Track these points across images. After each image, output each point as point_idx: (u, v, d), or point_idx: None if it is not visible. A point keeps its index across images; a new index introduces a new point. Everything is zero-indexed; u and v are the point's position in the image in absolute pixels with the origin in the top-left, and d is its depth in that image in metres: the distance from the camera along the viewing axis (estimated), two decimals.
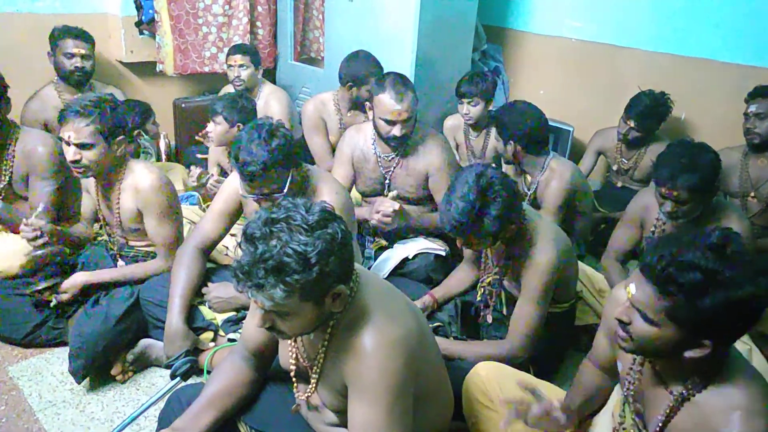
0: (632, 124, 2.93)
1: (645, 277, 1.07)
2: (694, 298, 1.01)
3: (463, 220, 1.63)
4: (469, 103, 2.95)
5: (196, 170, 2.69)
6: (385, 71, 2.86)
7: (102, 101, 1.94)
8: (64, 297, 2.01)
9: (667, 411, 1.16)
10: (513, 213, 1.69)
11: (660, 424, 1.17)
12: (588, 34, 3.50)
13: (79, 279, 2.03)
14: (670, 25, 3.15)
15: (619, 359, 1.33)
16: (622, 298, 1.20)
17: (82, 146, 1.90)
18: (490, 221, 1.63)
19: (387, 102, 2.25)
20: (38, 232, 1.98)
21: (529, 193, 2.50)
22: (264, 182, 1.77)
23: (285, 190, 1.80)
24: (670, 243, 1.07)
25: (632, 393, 1.26)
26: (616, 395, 1.51)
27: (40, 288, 1.99)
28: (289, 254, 1.05)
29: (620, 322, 1.14)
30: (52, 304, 2.03)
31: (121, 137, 1.98)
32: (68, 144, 1.91)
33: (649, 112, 2.91)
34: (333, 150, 3.08)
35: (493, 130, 2.59)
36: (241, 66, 3.10)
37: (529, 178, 2.53)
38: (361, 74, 2.85)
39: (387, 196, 2.52)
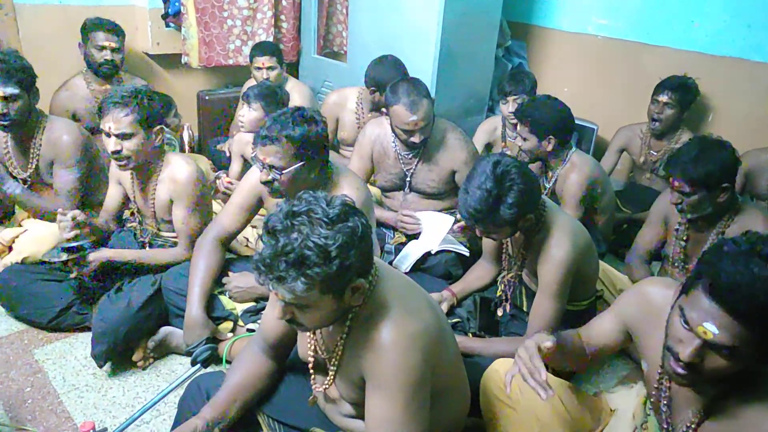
0: (665, 99, 2.89)
1: (727, 313, 0.97)
2: None
3: (480, 207, 1.63)
4: (515, 99, 2.93)
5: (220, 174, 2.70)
6: (408, 69, 2.86)
7: (139, 92, 1.98)
8: (86, 270, 2.02)
9: (698, 414, 1.13)
10: (530, 201, 1.68)
11: (690, 427, 1.15)
12: (615, 32, 3.45)
13: (105, 253, 2.06)
14: (700, 23, 3.09)
15: (644, 360, 1.30)
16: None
17: (122, 136, 1.94)
18: (507, 209, 1.62)
19: (402, 113, 2.25)
20: (73, 224, 2.00)
21: (548, 186, 2.48)
22: (270, 151, 1.72)
23: (285, 174, 1.74)
24: (735, 263, 0.98)
25: (662, 396, 1.23)
26: (636, 396, 1.49)
27: (63, 259, 2.00)
28: (310, 247, 1.06)
29: (688, 364, 1.05)
30: (73, 275, 2.02)
31: (158, 127, 2.01)
32: (108, 135, 1.94)
33: (681, 86, 2.89)
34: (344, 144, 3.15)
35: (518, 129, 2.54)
36: (269, 68, 3.13)
37: (548, 172, 2.51)
38: (385, 80, 2.80)
39: (407, 191, 2.52)
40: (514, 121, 3.00)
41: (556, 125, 2.37)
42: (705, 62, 3.08)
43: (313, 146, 1.76)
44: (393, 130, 2.37)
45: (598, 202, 2.53)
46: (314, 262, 1.06)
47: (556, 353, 1.30)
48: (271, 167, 1.74)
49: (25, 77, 2.16)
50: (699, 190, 1.91)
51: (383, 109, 2.42)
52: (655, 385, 1.25)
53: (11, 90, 2.12)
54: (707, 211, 1.96)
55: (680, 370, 1.07)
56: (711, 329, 0.99)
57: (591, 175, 2.40)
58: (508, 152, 3.10)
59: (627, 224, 2.88)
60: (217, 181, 2.72)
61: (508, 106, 2.96)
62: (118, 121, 1.92)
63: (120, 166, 2.01)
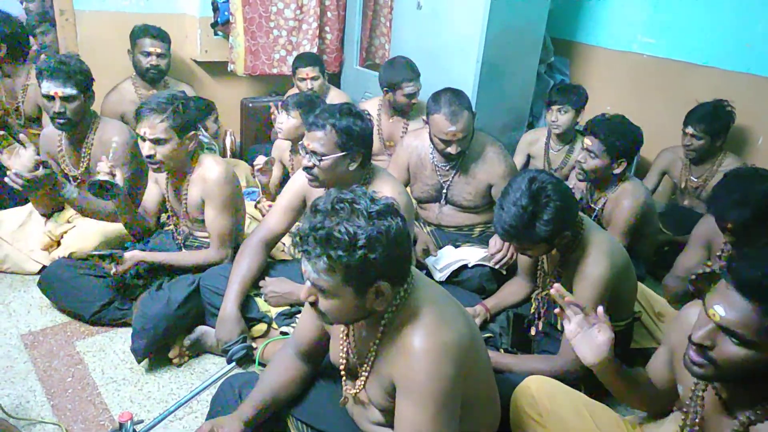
0: (691, 131, 2.82)
1: (742, 295, 1.01)
2: None
3: (515, 224, 1.62)
4: (558, 110, 2.93)
5: (261, 159, 2.73)
6: (449, 82, 2.87)
7: (174, 99, 2.05)
8: (121, 268, 2.09)
9: None
10: (567, 219, 1.66)
11: None
12: (661, 51, 3.40)
13: (138, 255, 2.13)
14: (753, 45, 3.02)
15: (679, 383, 1.28)
16: (692, 320, 1.15)
17: (156, 141, 2.01)
18: (542, 226, 1.61)
19: (441, 123, 2.26)
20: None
21: (597, 209, 2.43)
22: (314, 136, 1.82)
23: (326, 160, 1.82)
24: (762, 255, 1.03)
25: (695, 420, 1.20)
26: (670, 422, 1.45)
27: (97, 254, 2.08)
28: (340, 231, 1.09)
29: (699, 346, 1.06)
30: (112, 272, 2.10)
31: (192, 132, 2.08)
32: (144, 140, 2.02)
33: (710, 116, 2.80)
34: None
35: (578, 146, 2.48)
36: (313, 78, 3.20)
37: (596, 193, 2.45)
38: (396, 79, 2.89)
39: (442, 203, 2.53)
40: (558, 131, 3.00)
41: (632, 149, 2.29)
42: (756, 84, 3.00)
43: (355, 139, 1.83)
44: (431, 139, 2.38)
45: (644, 229, 2.46)
46: (339, 246, 1.09)
47: (618, 373, 1.35)
48: (314, 153, 1.82)
49: (83, 79, 2.26)
50: (753, 228, 1.83)
51: (423, 118, 2.43)
52: (685, 409, 1.22)
53: (69, 91, 2.22)
54: (766, 240, 1.90)
55: (693, 355, 1.08)
56: (719, 311, 1.03)
57: (645, 203, 2.34)
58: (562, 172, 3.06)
59: (668, 246, 2.81)
60: (258, 205, 2.80)
61: (552, 115, 2.96)
62: (153, 126, 2.00)
63: (153, 168, 2.09)
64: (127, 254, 2.12)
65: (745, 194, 1.82)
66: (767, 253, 1.04)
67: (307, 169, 1.86)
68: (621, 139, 2.27)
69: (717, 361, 1.05)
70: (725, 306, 1.02)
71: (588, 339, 1.35)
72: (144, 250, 2.26)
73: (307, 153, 1.85)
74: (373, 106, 3.13)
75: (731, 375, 1.06)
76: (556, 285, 1.39)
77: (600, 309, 1.38)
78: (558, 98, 2.95)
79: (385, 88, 2.96)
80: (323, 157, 1.82)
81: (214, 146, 3.28)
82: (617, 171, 2.32)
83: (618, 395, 1.46)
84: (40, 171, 2.12)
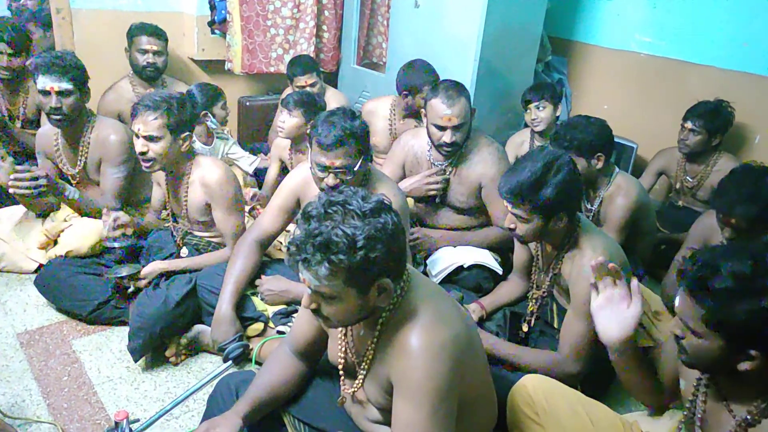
0: (690, 125, 2.83)
1: (683, 287, 1.10)
2: (726, 304, 1.01)
3: (523, 181, 1.65)
4: (537, 107, 2.93)
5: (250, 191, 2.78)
6: (443, 79, 2.87)
7: (170, 98, 2.05)
8: (142, 283, 2.11)
9: None
10: (569, 197, 1.68)
11: None
12: (658, 49, 3.40)
13: (158, 266, 2.14)
14: (749, 43, 3.02)
15: (681, 377, 1.29)
16: None
17: (149, 138, 2.00)
18: (547, 189, 1.64)
19: (438, 107, 2.25)
20: (118, 222, 2.13)
21: (593, 209, 2.43)
22: (341, 152, 1.78)
23: (355, 170, 1.82)
24: (710, 251, 1.10)
25: (694, 415, 1.21)
26: (669, 420, 1.46)
27: (122, 275, 2.10)
28: (338, 235, 1.09)
29: (675, 336, 1.15)
30: (130, 290, 2.13)
31: (186, 133, 2.07)
32: (137, 136, 2.02)
33: (710, 113, 2.81)
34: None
35: None
36: (311, 85, 3.17)
37: (591, 193, 2.45)
38: (416, 83, 2.85)
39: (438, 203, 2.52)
40: (540, 127, 3.00)
41: (602, 141, 2.29)
42: (753, 83, 3.00)
43: (368, 139, 1.85)
44: (428, 130, 2.36)
45: (641, 226, 2.46)
46: (339, 249, 1.08)
47: (635, 357, 1.38)
48: (341, 169, 1.80)
49: (78, 75, 2.26)
50: (757, 225, 1.83)
51: (422, 110, 2.43)
52: (688, 405, 1.23)
53: (65, 85, 2.22)
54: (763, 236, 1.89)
55: (674, 341, 1.18)
56: (676, 301, 1.14)
57: (638, 200, 2.33)
58: None
59: (665, 245, 2.82)
60: (252, 212, 2.81)
61: (531, 114, 2.97)
62: (146, 123, 1.99)
63: (145, 167, 2.08)
64: (148, 268, 2.13)
65: (756, 190, 1.83)
66: (712, 249, 1.12)
67: (332, 188, 1.81)
68: (584, 136, 2.26)
69: (687, 350, 1.13)
70: (678, 297, 1.12)
71: (614, 313, 1.36)
72: (142, 247, 2.27)
73: (330, 172, 1.81)
74: (385, 105, 3.11)
75: (701, 363, 1.13)
76: (600, 259, 1.42)
77: (634, 282, 1.37)
78: (533, 96, 2.94)
79: (404, 92, 2.90)
80: (355, 168, 1.81)
81: (226, 134, 3.24)
82: (599, 166, 2.31)
83: (628, 383, 1.47)
84: (42, 181, 2.14)
